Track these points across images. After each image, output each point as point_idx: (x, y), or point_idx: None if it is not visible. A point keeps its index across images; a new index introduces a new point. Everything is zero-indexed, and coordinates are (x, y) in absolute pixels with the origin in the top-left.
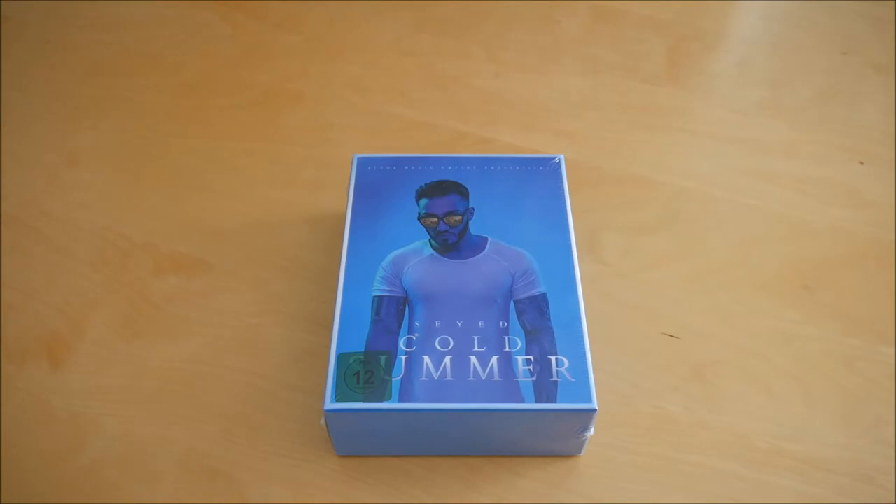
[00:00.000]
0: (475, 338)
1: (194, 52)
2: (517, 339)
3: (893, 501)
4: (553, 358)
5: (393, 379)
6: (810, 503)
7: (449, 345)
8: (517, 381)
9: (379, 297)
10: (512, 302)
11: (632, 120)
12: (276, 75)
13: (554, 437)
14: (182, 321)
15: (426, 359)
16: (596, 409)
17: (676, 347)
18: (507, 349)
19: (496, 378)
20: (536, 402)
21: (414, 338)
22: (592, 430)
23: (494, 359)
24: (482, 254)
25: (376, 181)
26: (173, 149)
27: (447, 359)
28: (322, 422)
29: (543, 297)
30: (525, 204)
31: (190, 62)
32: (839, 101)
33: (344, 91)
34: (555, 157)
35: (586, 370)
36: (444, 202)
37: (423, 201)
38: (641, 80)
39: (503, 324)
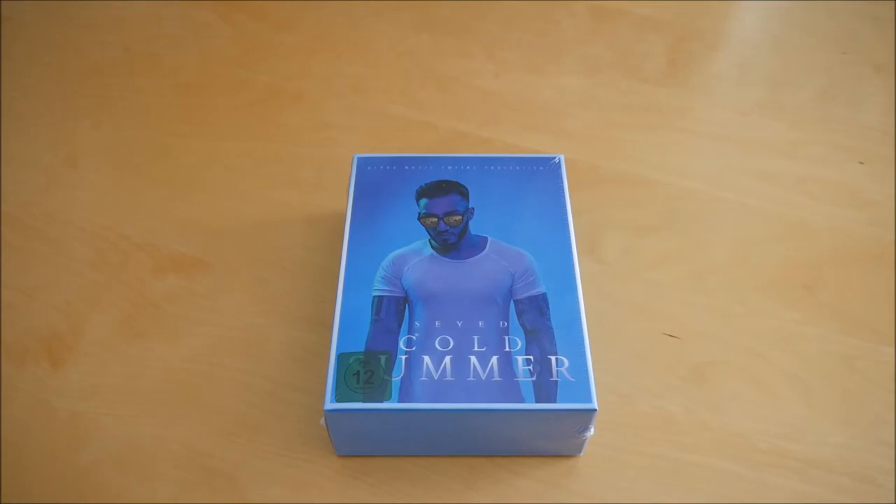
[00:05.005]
0: (475, 338)
1: (194, 52)
2: (517, 338)
3: (893, 501)
4: (553, 358)
5: (393, 379)
6: (810, 503)
7: (449, 345)
8: (517, 381)
9: (379, 296)
10: (512, 302)
11: (632, 120)
12: (276, 75)
13: (554, 437)
14: (182, 321)
15: (426, 359)
16: (596, 409)
17: (676, 347)
18: (507, 349)
19: (496, 378)
20: (536, 402)
21: (414, 338)
22: (592, 430)
23: (494, 359)
24: (482, 254)
25: (376, 181)
26: (173, 149)
27: (447, 359)
28: (322, 422)
29: (543, 296)
30: (525, 204)
31: (189, 62)
32: (839, 101)
33: (344, 91)
34: (555, 157)
35: (586, 370)
36: (444, 202)
37: (423, 201)
38: (641, 80)
39: (503, 324)
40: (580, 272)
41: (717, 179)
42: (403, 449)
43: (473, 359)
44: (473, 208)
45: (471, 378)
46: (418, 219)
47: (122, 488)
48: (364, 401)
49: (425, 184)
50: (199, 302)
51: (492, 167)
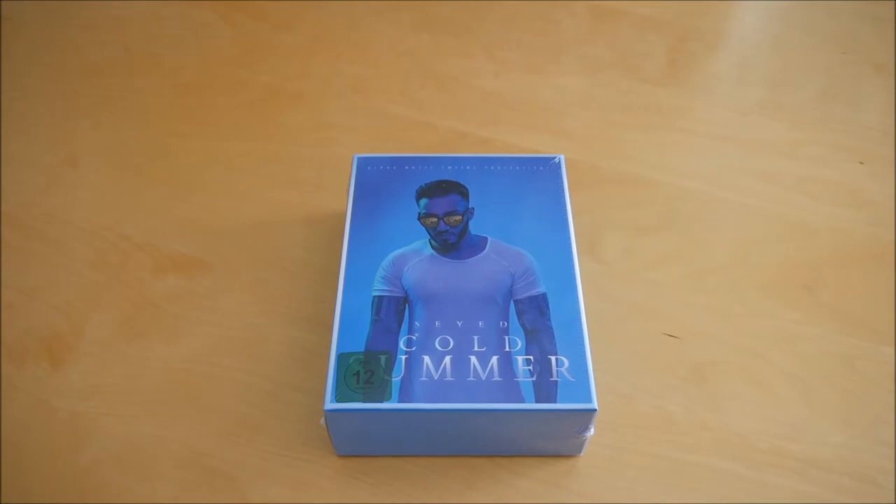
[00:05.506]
0: (475, 338)
1: (194, 52)
2: (517, 338)
3: (893, 501)
4: (553, 358)
5: (393, 379)
6: (810, 503)
7: (449, 345)
8: (517, 381)
9: (379, 296)
10: (512, 302)
11: (632, 120)
12: (276, 75)
13: (554, 437)
14: (182, 321)
15: (426, 359)
16: (596, 409)
17: (676, 347)
18: (507, 349)
19: (496, 378)
20: (536, 402)
21: (414, 338)
22: (592, 430)
23: (494, 359)
24: (482, 254)
25: (376, 181)
26: (173, 149)
27: (447, 359)
28: (322, 422)
29: (543, 296)
30: (525, 204)
31: (189, 62)
32: (839, 101)
33: (344, 91)
34: (555, 157)
35: (586, 370)
36: (444, 202)
37: (423, 201)
38: (641, 80)
39: (503, 324)
40: (580, 272)
41: (717, 179)
42: (403, 449)
43: (473, 359)
44: (473, 208)
45: (471, 378)
46: (418, 219)
47: (122, 488)
48: (364, 401)
49: (425, 184)
50: (199, 302)
51: (492, 167)
